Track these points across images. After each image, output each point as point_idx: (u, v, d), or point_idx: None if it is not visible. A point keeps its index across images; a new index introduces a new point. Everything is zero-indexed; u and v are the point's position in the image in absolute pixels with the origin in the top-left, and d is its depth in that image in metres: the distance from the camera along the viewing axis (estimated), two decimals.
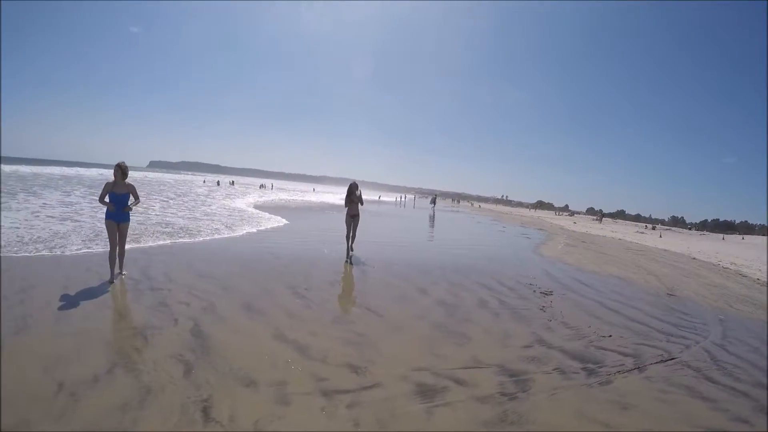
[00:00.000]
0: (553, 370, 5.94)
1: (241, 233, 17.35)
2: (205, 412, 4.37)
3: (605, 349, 6.90)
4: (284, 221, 23.50)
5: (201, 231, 16.67)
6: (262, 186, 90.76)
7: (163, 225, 17.58)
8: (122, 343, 5.94)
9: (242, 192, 58.18)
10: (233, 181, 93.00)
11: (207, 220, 21.06)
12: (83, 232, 13.59)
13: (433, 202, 58.04)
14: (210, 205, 30.14)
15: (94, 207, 20.01)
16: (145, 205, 23.96)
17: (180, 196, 37.02)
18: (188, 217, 21.60)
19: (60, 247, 11.20)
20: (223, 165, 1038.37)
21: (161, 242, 13.34)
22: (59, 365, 5.12)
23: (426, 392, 5.03)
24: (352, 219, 13.84)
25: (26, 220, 15.33)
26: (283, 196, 52.87)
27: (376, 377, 5.33)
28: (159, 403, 4.48)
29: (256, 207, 33.18)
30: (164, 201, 30.24)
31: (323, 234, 19.32)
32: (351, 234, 13.86)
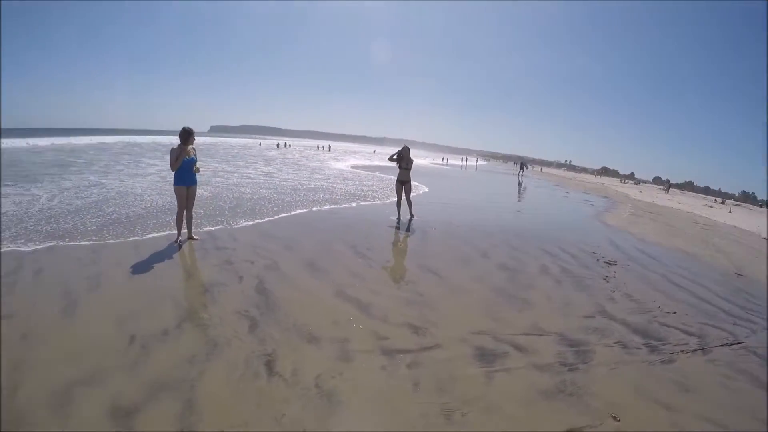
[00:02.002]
0: (615, 343, 5.85)
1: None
2: (269, 366, 4.53)
3: (669, 326, 6.73)
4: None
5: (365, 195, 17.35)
6: (319, 147, 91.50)
7: (329, 191, 18.95)
8: (190, 300, 6.21)
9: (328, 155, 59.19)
10: (287, 143, 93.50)
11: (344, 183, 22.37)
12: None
13: (522, 167, 53.70)
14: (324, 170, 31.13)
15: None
16: (278, 172, 25.74)
17: (289, 164, 37.12)
18: (327, 181, 23.40)
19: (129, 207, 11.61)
20: (283, 128, 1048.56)
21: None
22: (131, 320, 5.40)
23: (485, 356, 5.05)
24: (403, 185, 13.51)
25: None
26: (361, 161, 52.34)
27: (436, 338, 5.39)
28: (224, 356, 4.68)
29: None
30: (282, 168, 31.28)
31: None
32: (406, 200, 13.65)
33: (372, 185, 22.53)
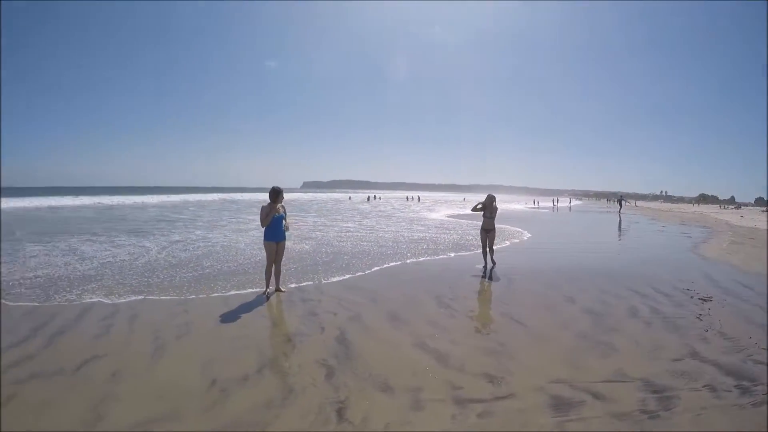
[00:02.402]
0: (703, 387, 5.57)
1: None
2: (340, 413, 4.63)
3: (765, 364, 6.36)
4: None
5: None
6: (407, 198, 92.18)
7: (424, 240, 19.56)
8: (273, 348, 6.49)
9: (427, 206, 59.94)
10: (377, 196, 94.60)
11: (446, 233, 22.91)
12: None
13: (620, 203, 54.88)
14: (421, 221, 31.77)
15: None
16: (377, 224, 26.87)
17: (386, 217, 37.25)
18: (428, 232, 24.01)
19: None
20: (372, 181, 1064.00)
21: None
22: (214, 365, 5.71)
23: (561, 405, 4.93)
24: (487, 233, 13.53)
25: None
26: (455, 210, 52.39)
27: (512, 388, 5.31)
28: (299, 402, 4.83)
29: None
30: (380, 220, 31.98)
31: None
32: (490, 248, 13.58)
33: (475, 233, 22.48)
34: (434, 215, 41.46)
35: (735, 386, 5.62)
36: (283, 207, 9.65)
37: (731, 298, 10.14)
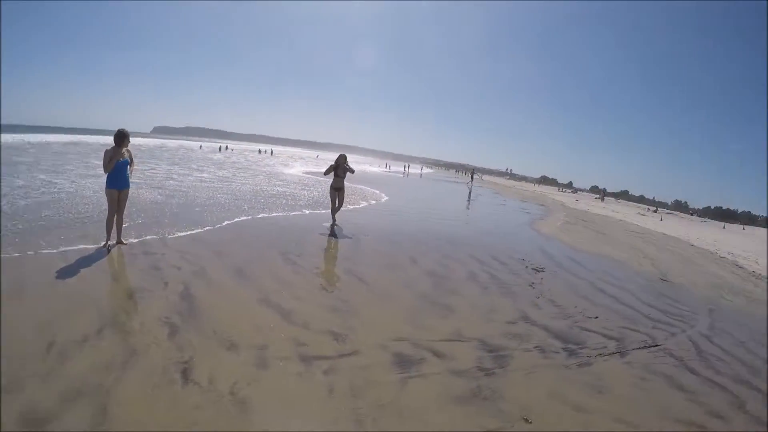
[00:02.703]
0: (534, 348, 5.96)
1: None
2: (185, 373, 4.45)
3: (589, 331, 6.92)
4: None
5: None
6: (260, 151, 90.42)
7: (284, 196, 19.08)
8: (113, 306, 6.05)
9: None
10: (228, 147, 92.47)
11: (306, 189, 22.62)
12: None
13: (472, 176, 56.00)
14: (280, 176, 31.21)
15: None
16: (234, 177, 25.87)
17: (242, 169, 36.51)
18: (288, 187, 23.85)
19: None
20: (227, 131, 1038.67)
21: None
22: (52, 326, 5.22)
23: (403, 362, 5.06)
24: (337, 192, 13.63)
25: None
26: (310, 167, 51.76)
27: (356, 345, 5.37)
28: (141, 363, 4.57)
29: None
30: (236, 172, 31.00)
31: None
32: (337, 207, 13.75)
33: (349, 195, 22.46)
34: (292, 171, 41.15)
35: (562, 348, 6.08)
36: (129, 152, 8.98)
37: (561, 270, 10.89)
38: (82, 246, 8.40)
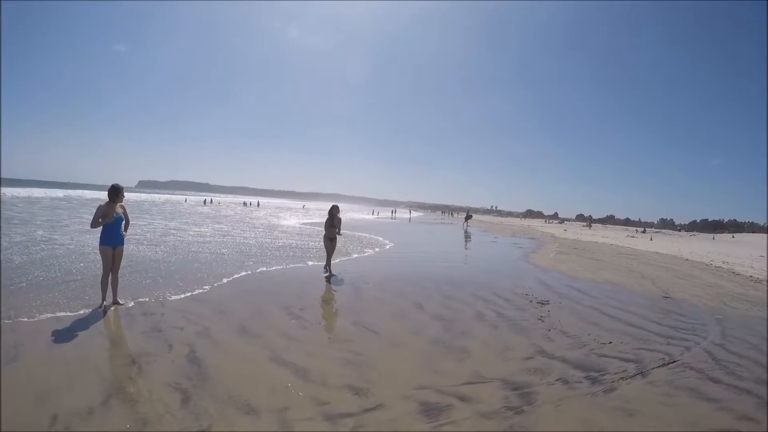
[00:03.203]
0: (557, 380, 5.89)
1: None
2: None
3: (606, 356, 6.88)
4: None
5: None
6: (245, 204, 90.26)
7: (291, 248, 19.24)
8: (116, 373, 5.78)
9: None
10: (212, 200, 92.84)
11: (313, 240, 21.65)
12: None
13: (468, 218, 54.91)
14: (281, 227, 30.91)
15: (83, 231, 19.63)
16: (231, 231, 25.90)
17: (239, 222, 36.68)
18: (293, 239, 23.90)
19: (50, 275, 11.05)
20: (212, 183, 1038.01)
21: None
22: (52, 396, 4.95)
23: (430, 411, 4.94)
24: (331, 242, 13.76)
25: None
26: (304, 219, 51.66)
27: (378, 398, 5.23)
28: None
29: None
30: (235, 225, 31.08)
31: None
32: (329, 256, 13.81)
33: (345, 242, 22.31)
34: (289, 222, 40.87)
35: (584, 377, 6.01)
36: (123, 207, 8.77)
37: (566, 300, 10.87)
38: (81, 310, 8.18)
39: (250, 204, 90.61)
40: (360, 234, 28.35)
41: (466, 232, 42.08)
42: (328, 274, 13.37)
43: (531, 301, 10.58)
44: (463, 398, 5.27)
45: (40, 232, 18.19)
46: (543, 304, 10.33)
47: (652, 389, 5.71)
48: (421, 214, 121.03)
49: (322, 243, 13.88)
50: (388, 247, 22.44)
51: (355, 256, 18.23)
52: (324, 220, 14.17)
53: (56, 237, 17.00)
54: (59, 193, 67.23)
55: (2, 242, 14.12)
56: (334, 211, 13.86)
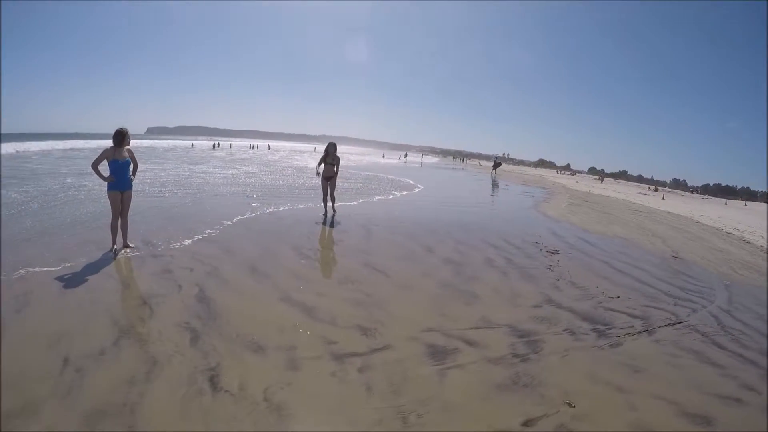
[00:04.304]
0: (564, 330, 5.91)
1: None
2: (213, 381, 4.28)
3: (614, 311, 6.87)
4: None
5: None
6: (251, 147, 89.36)
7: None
8: (127, 314, 5.83)
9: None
10: (219, 144, 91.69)
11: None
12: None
13: (496, 166, 53.07)
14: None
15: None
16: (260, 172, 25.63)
17: (261, 164, 37.14)
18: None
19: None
20: (221, 128, 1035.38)
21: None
22: (63, 340, 4.98)
23: (437, 354, 4.98)
24: (328, 181, 13.47)
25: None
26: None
27: (386, 339, 5.28)
28: (166, 374, 4.39)
29: None
30: (262, 167, 30.66)
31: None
32: (330, 196, 13.63)
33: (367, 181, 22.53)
34: (311, 164, 40.16)
35: (591, 330, 6.03)
36: (130, 152, 8.68)
37: (575, 252, 10.84)
38: (93, 254, 8.23)
39: (255, 147, 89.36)
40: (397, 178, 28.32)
41: (494, 180, 41.01)
42: (324, 213, 13.39)
43: (541, 250, 10.56)
44: (470, 342, 5.30)
45: (69, 180, 18.33)
46: (553, 253, 10.31)
47: (657, 348, 5.70)
48: (435, 159, 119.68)
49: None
50: (397, 194, 22.21)
51: (362, 200, 18.16)
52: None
53: (87, 183, 17.13)
54: (71, 144, 66.51)
55: (36, 190, 14.18)
56: (330, 149, 13.51)
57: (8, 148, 44.97)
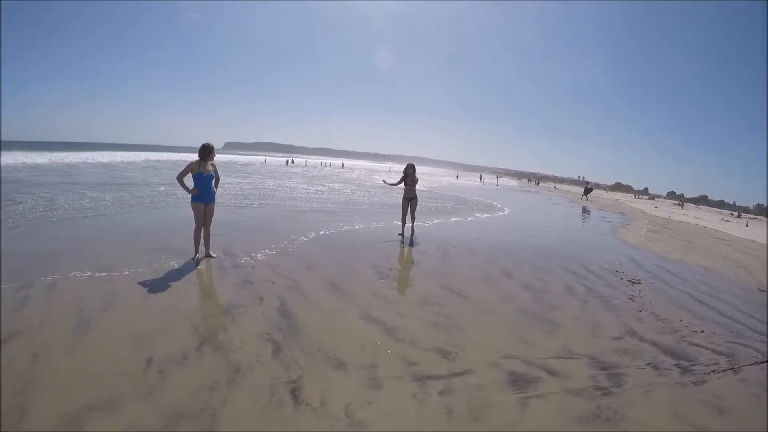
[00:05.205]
0: (647, 365, 5.79)
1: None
2: (295, 393, 4.40)
3: (698, 346, 6.67)
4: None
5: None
6: (322, 164, 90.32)
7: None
8: (209, 321, 6.06)
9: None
10: (293, 160, 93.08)
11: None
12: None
13: (587, 192, 52.26)
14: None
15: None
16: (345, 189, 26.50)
17: (339, 181, 38.13)
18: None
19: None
20: (296, 145, 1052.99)
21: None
22: (148, 341, 5.26)
23: (518, 381, 4.97)
24: (409, 202, 13.64)
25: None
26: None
27: (467, 363, 5.29)
28: (248, 383, 4.54)
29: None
30: (344, 185, 31.37)
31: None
32: (410, 216, 13.73)
33: (444, 201, 22.77)
34: (389, 181, 41.02)
35: (675, 365, 5.88)
36: (213, 166, 9.09)
37: (657, 282, 10.55)
38: (175, 261, 8.66)
39: (329, 165, 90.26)
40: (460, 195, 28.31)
41: (585, 208, 37.88)
42: (401, 233, 13.50)
43: (621, 279, 10.34)
44: (551, 372, 5.27)
45: (162, 188, 19.24)
46: (634, 282, 10.08)
47: (743, 387, 5.49)
48: (514, 182, 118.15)
49: (401, 204, 13.82)
50: (479, 215, 22.20)
51: (438, 221, 18.33)
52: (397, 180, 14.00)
53: (179, 192, 17.83)
54: (160, 155, 70.59)
55: (131, 195, 14.97)
56: (409, 170, 13.60)
57: (103, 157, 48.29)
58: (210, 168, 8.90)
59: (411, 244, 12.25)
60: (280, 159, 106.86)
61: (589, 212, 32.68)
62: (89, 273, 7.56)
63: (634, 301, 8.60)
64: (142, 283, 7.27)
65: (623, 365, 5.66)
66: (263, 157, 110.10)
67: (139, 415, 3.92)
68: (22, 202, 14.39)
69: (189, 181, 8.64)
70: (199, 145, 8.88)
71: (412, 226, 13.80)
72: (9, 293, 6.56)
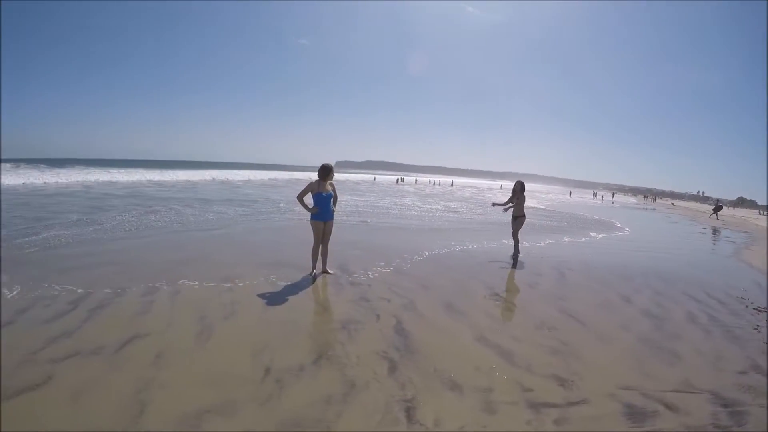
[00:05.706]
0: None
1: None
2: (409, 413, 4.49)
3: None
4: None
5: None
6: (430, 182, 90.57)
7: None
8: (326, 336, 6.34)
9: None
10: (403, 179, 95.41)
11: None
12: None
13: (717, 209, 50.18)
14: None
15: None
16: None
17: (461, 200, 39.10)
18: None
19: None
20: (406, 163, 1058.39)
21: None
22: (266, 351, 5.58)
23: (635, 415, 4.87)
24: (515, 220, 13.39)
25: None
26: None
27: (583, 392, 5.24)
28: (362, 399, 4.68)
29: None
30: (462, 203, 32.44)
31: None
32: (513, 236, 13.47)
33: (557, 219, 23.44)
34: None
35: None
36: (332, 185, 9.48)
37: None
38: (293, 276, 9.12)
39: (439, 183, 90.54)
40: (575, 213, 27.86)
41: (715, 228, 35.02)
42: (512, 254, 13.28)
43: (747, 306, 9.84)
44: (669, 406, 5.12)
45: (282, 204, 20.24)
46: (759, 311, 9.57)
47: None
48: (632, 199, 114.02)
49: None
50: (596, 235, 21.65)
51: (567, 239, 18.26)
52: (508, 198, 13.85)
53: (298, 208, 18.53)
54: (280, 174, 74.02)
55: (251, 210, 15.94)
56: (518, 187, 13.47)
57: (219, 174, 51.88)
58: (329, 188, 9.31)
59: (520, 266, 12.14)
60: (389, 177, 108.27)
61: (715, 232, 31.05)
62: (213, 283, 8.08)
63: (759, 331, 8.18)
64: (261, 295, 7.76)
65: (746, 403, 5.41)
66: (372, 176, 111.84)
67: (256, 421, 4.17)
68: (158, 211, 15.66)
69: (309, 200, 9.01)
70: (316, 164, 9.30)
71: (516, 245, 13.54)
72: (136, 297, 7.38)
